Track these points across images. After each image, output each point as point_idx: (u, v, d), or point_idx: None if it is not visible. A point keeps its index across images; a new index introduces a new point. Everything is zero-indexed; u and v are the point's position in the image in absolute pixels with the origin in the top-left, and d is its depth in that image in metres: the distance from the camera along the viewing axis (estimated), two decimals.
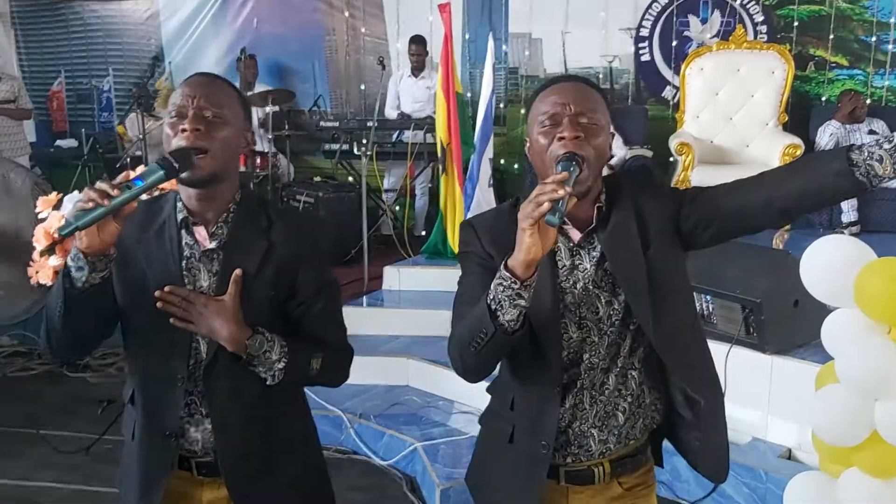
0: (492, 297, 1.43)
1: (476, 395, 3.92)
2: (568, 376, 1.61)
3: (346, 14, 7.70)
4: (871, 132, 5.69)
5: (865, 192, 1.52)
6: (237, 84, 7.22)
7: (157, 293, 1.43)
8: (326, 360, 1.62)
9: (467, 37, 7.30)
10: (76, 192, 2.87)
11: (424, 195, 6.76)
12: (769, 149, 5.73)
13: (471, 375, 1.59)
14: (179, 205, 1.59)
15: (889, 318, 2.03)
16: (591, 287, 1.59)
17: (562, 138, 1.51)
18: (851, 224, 5.49)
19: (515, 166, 7.17)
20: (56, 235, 2.76)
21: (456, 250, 5.18)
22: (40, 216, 2.86)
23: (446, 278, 4.98)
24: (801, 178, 1.51)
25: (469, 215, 5.30)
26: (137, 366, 1.67)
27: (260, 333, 1.54)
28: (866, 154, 1.41)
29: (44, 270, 2.81)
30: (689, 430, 1.68)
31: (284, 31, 7.85)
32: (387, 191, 6.77)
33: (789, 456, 3.31)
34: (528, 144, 1.62)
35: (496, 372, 1.69)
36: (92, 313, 1.50)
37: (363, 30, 7.70)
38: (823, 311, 2.21)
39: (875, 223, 5.58)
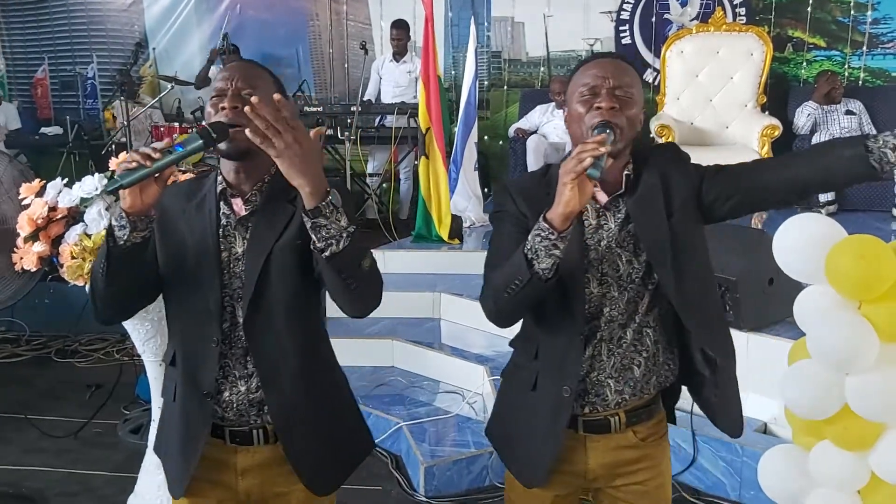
0: (529, 247, 1.55)
1: (460, 375, 4.00)
2: (588, 328, 1.72)
3: None
4: (849, 112, 5.76)
5: (877, 179, 1.65)
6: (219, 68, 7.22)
7: (253, 99, 1.37)
8: (374, 263, 1.59)
9: (450, 21, 7.31)
10: (59, 178, 2.89)
11: (408, 179, 6.79)
12: (748, 130, 5.80)
13: (502, 320, 1.72)
14: (220, 178, 1.70)
15: (859, 294, 2.07)
16: (613, 245, 1.71)
17: (599, 108, 1.64)
18: (829, 203, 5.57)
19: (499, 149, 7.20)
20: (39, 221, 2.77)
21: (442, 234, 5.26)
22: (24, 203, 2.86)
23: (431, 261, 5.05)
24: (819, 162, 1.67)
25: (453, 199, 5.35)
26: (176, 329, 1.75)
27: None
28: (881, 142, 1.56)
29: (28, 257, 2.81)
30: (708, 388, 1.80)
31: (268, 17, 7.84)
32: (371, 175, 6.79)
33: (765, 430, 3.38)
34: (566, 113, 1.75)
35: (517, 328, 1.83)
36: (132, 272, 1.60)
37: (347, 14, 7.69)
38: (797, 288, 2.25)
39: (853, 202, 5.67)
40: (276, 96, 1.42)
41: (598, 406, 1.76)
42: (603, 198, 1.72)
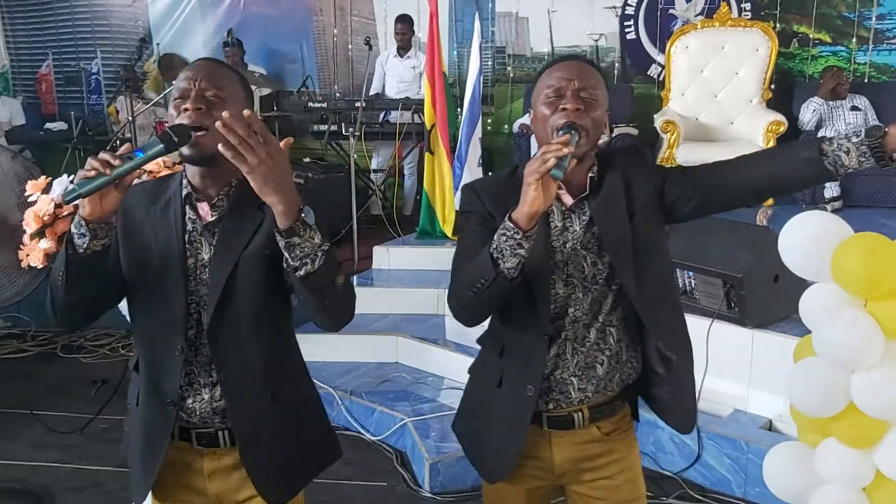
0: (494, 247, 1.58)
1: (464, 371, 3.98)
2: (553, 327, 1.75)
3: None
4: (854, 108, 5.74)
5: (833, 180, 1.69)
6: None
7: (224, 115, 1.33)
8: (346, 280, 1.56)
9: (454, 16, 7.30)
10: (65, 175, 2.89)
11: (413, 175, 6.79)
12: (753, 126, 5.78)
13: (468, 319, 1.76)
14: (185, 181, 1.66)
15: (865, 292, 2.08)
16: (578, 248, 1.74)
17: (564, 109, 1.67)
18: (834, 199, 5.55)
19: (503, 144, 7.20)
20: (45, 218, 2.78)
21: (446, 230, 5.26)
22: (30, 199, 2.87)
23: (435, 257, 5.05)
24: (775, 163, 1.71)
25: (457, 195, 5.35)
26: (140, 336, 1.72)
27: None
28: (836, 146, 1.59)
29: (34, 253, 2.83)
30: (661, 385, 1.84)
31: (272, 12, 7.83)
32: (375, 171, 6.79)
33: (770, 427, 3.39)
34: (531, 115, 1.78)
35: (486, 325, 1.85)
36: (92, 280, 1.55)
37: (351, 10, 7.69)
38: (802, 285, 2.26)
39: (857, 198, 5.64)
40: (247, 112, 1.37)
41: (562, 403, 1.80)
42: (568, 200, 1.75)
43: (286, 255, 1.45)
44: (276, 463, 1.71)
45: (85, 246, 1.49)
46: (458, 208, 5.29)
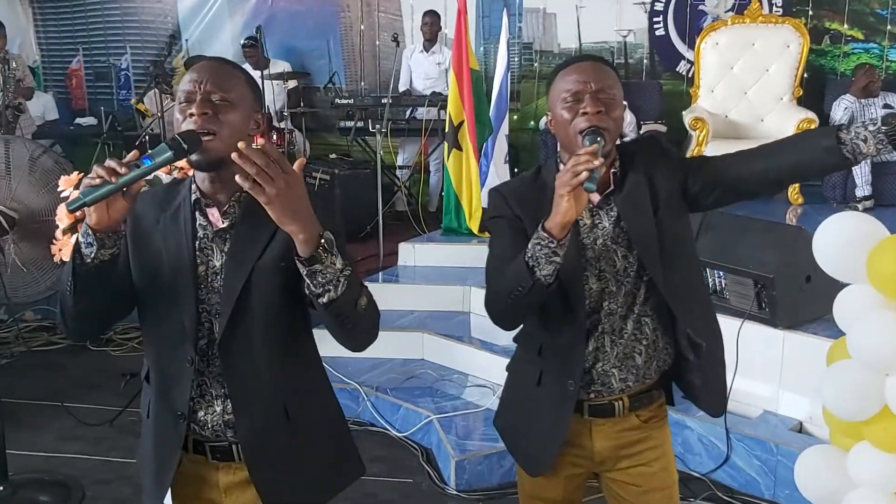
0: (529, 255, 1.61)
1: (489, 369, 3.99)
2: (590, 322, 1.79)
3: None
4: (887, 106, 5.66)
5: (853, 166, 1.74)
6: (248, 68, 7.26)
7: (239, 145, 1.28)
8: (371, 300, 1.52)
9: (482, 12, 7.28)
10: None
11: (438, 171, 6.78)
12: (783, 123, 5.71)
13: (507, 324, 1.81)
14: (194, 187, 1.61)
15: None
16: (609, 243, 1.78)
17: (585, 113, 1.69)
18: (865, 198, 5.48)
19: (530, 141, 7.18)
20: (77, 214, 2.81)
21: (472, 227, 5.25)
22: (62, 195, 2.91)
23: (461, 254, 5.05)
24: (795, 153, 1.74)
25: (483, 192, 5.34)
26: (150, 345, 1.68)
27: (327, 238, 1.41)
28: (853, 134, 1.62)
29: (66, 248, 2.86)
30: (692, 371, 1.87)
31: (299, 8, 7.85)
32: (401, 167, 6.79)
33: (800, 429, 3.35)
34: (549, 118, 1.81)
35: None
36: (101, 289, 1.51)
37: (378, 6, 7.69)
38: (835, 286, 2.23)
39: (889, 197, 5.57)
40: (261, 142, 1.32)
41: (604, 392, 1.84)
42: (595, 197, 1.77)
43: (307, 281, 1.40)
44: (288, 481, 1.64)
45: (92, 255, 1.44)
46: (486, 210, 5.29)
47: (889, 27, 6.21)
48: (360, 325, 1.51)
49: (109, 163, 1.38)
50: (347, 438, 1.81)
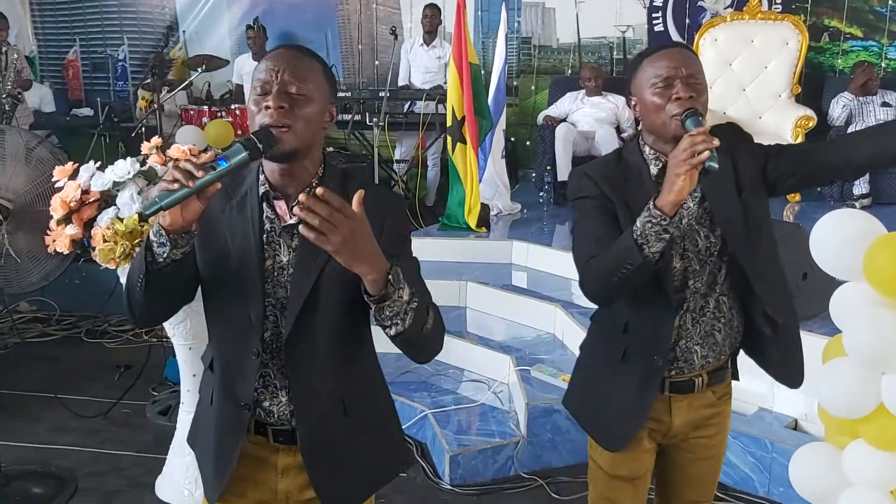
0: (639, 233, 1.66)
1: (485, 364, 3.99)
2: (675, 300, 1.86)
3: None
4: (885, 104, 5.65)
5: None
6: (248, 55, 7.24)
7: (301, 198, 1.27)
8: (436, 315, 1.55)
9: (480, 5, 7.26)
10: (91, 161, 2.90)
11: (436, 166, 6.78)
12: (782, 120, 5.72)
13: (610, 301, 1.87)
14: (262, 177, 1.58)
15: None
16: (693, 223, 1.84)
17: (678, 97, 1.75)
18: (863, 196, 5.49)
19: (527, 136, 7.17)
20: (72, 204, 2.79)
21: (470, 222, 5.22)
22: (57, 185, 2.89)
23: (458, 249, 5.04)
24: (876, 141, 1.82)
25: (481, 186, 5.33)
26: (215, 336, 1.68)
27: (395, 264, 1.42)
28: None
29: (61, 239, 2.84)
30: (770, 346, 1.95)
31: (297, 1, 7.83)
32: (398, 161, 6.78)
33: (795, 426, 3.35)
34: (635, 103, 1.86)
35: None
36: (173, 286, 1.52)
37: None
38: (832, 284, 2.22)
39: (887, 195, 5.58)
40: (320, 191, 1.28)
41: (685, 369, 1.92)
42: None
43: (375, 314, 1.42)
44: (341, 472, 1.66)
45: (165, 255, 1.44)
46: (487, 205, 5.27)
47: (888, 25, 6.21)
48: (427, 346, 1.57)
49: (186, 165, 1.35)
50: (398, 431, 1.83)
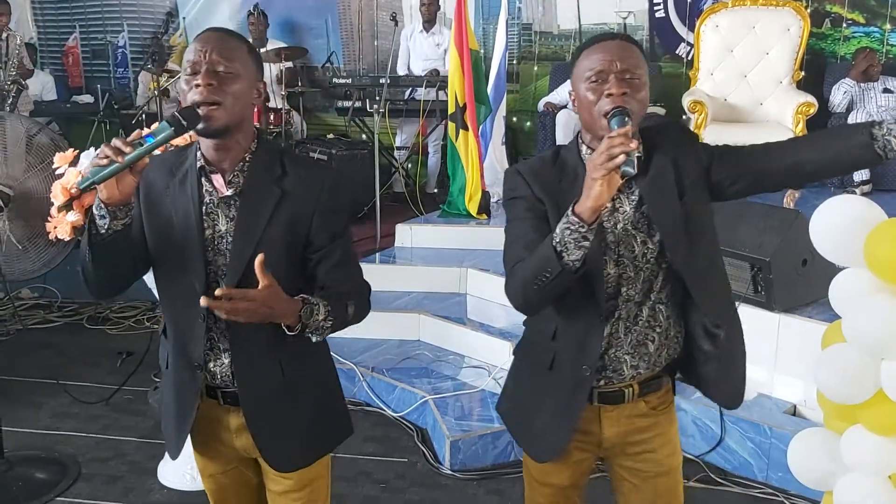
0: (558, 241, 1.57)
1: (485, 350, 4.00)
2: (607, 307, 1.77)
3: None
4: (886, 90, 5.63)
5: (883, 163, 1.68)
6: (249, 40, 7.20)
7: (202, 301, 1.46)
8: (357, 302, 1.71)
9: None
10: (92, 148, 2.90)
11: (437, 153, 6.75)
12: (783, 107, 5.70)
13: (531, 310, 1.78)
14: (198, 153, 1.69)
15: None
16: (629, 228, 1.74)
17: (610, 94, 1.64)
18: (863, 183, 5.48)
19: (528, 123, 7.15)
20: (73, 191, 2.80)
21: (470, 209, 5.22)
22: (57, 172, 2.89)
23: (458, 236, 5.05)
24: (825, 148, 1.73)
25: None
26: (166, 304, 1.80)
27: (306, 302, 1.59)
28: (885, 130, 1.61)
29: (62, 226, 2.84)
30: (706, 363, 1.84)
31: None
32: (398, 148, 6.76)
33: (794, 412, 3.36)
34: (573, 97, 1.75)
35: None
36: (117, 255, 1.63)
37: None
38: (831, 270, 2.23)
39: (887, 182, 5.57)
40: (219, 292, 1.46)
41: (614, 379, 1.83)
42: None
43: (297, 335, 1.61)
44: (281, 432, 1.78)
45: (106, 227, 1.55)
46: (488, 192, 5.26)
47: (890, 11, 6.17)
48: (351, 324, 1.73)
49: (115, 142, 1.48)
50: (340, 399, 1.92)
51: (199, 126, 1.59)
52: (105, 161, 1.47)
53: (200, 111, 1.57)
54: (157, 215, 1.70)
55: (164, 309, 1.82)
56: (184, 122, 1.54)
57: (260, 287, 1.49)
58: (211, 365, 1.74)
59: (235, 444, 1.83)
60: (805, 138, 1.81)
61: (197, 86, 1.58)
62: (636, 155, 1.53)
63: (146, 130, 1.60)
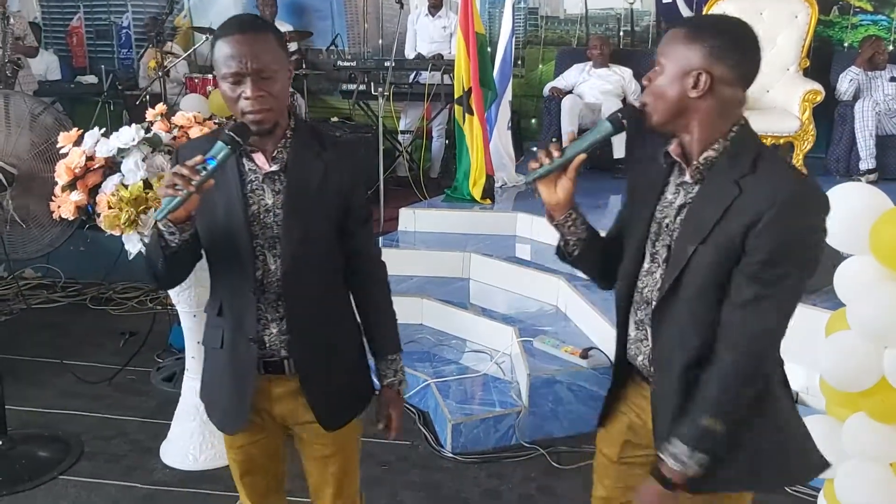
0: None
1: (488, 335, 4.00)
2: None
3: None
4: (893, 79, 5.61)
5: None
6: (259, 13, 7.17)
7: None
8: (385, 279, 1.97)
9: None
10: (96, 128, 2.90)
11: (441, 137, 6.74)
12: (789, 95, 5.67)
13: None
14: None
15: None
16: (671, 224, 1.62)
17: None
18: (869, 171, 5.46)
19: (533, 109, 7.13)
20: (77, 171, 2.78)
21: (474, 194, 5.20)
22: (62, 151, 2.88)
23: (461, 220, 5.03)
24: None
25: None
26: (218, 283, 1.87)
27: (396, 372, 1.98)
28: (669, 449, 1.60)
29: (66, 206, 2.84)
30: None
31: None
32: (403, 132, 6.74)
33: (796, 399, 3.35)
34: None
35: None
36: (188, 258, 1.75)
37: None
38: (835, 258, 2.23)
39: (893, 171, 5.55)
40: None
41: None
42: (687, 177, 1.58)
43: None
44: (329, 393, 1.88)
45: (177, 241, 1.67)
46: (492, 176, 5.24)
47: None
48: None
49: (181, 170, 1.56)
50: (366, 361, 2.02)
51: (254, 128, 1.67)
52: (173, 191, 1.55)
53: (251, 117, 1.64)
54: (201, 201, 1.69)
55: (216, 288, 1.88)
56: (239, 140, 1.62)
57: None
58: (263, 336, 1.81)
59: (275, 411, 1.90)
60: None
61: (246, 98, 1.63)
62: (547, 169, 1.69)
63: (199, 157, 1.63)
